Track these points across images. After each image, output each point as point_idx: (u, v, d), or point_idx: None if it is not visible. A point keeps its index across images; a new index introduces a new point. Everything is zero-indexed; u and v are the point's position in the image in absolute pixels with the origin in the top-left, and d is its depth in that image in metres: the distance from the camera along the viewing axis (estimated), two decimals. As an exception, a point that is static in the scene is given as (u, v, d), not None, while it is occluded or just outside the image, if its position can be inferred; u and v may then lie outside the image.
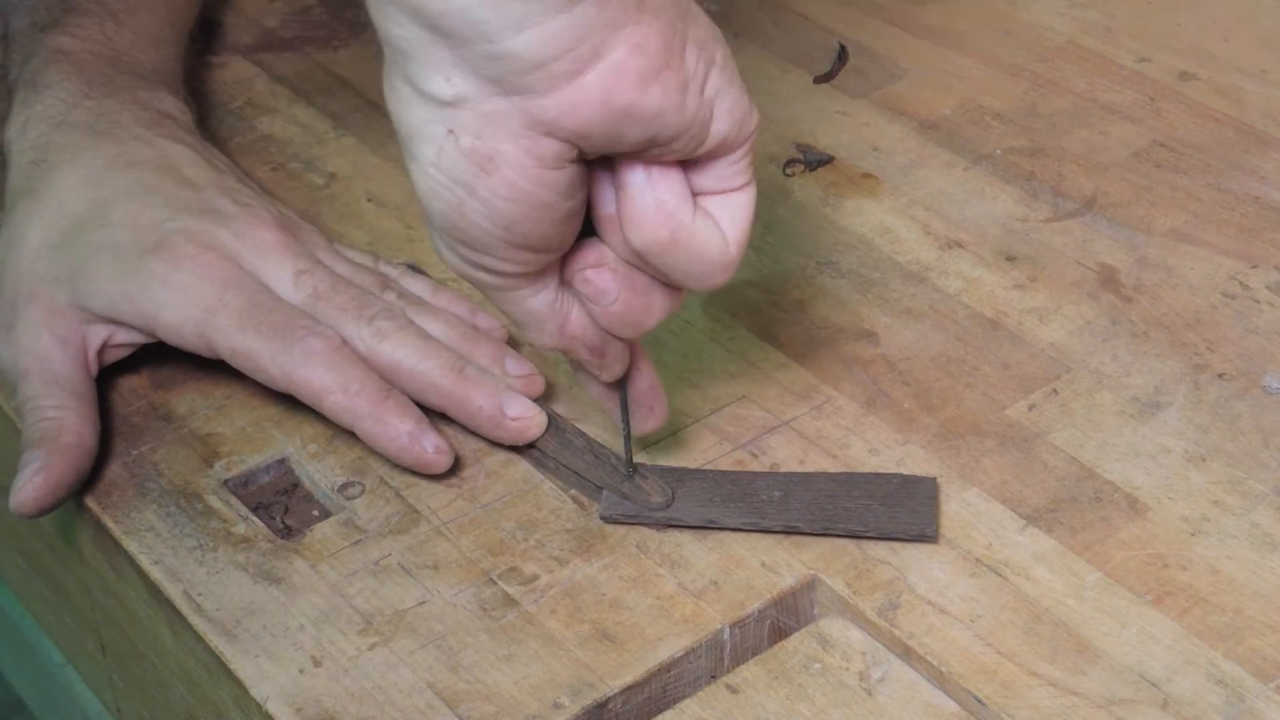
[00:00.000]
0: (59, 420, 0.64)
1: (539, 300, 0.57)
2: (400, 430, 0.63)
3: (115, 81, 0.75)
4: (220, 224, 0.67)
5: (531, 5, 0.49)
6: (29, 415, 0.65)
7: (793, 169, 0.80)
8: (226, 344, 0.65)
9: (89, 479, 0.65)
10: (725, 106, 0.54)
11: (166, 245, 0.66)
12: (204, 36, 0.89)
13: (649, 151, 0.53)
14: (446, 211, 0.53)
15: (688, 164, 0.55)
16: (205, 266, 0.66)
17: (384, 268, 0.71)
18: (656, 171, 0.54)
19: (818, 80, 0.86)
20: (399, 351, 0.64)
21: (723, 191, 0.56)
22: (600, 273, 0.57)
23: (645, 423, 0.63)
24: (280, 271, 0.67)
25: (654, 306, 0.58)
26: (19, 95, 0.75)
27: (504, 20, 0.49)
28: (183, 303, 0.65)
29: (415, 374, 0.64)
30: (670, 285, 0.58)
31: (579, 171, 0.53)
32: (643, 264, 0.56)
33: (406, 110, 0.53)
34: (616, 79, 0.51)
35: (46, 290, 0.67)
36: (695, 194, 0.56)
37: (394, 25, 0.51)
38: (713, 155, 0.55)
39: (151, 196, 0.69)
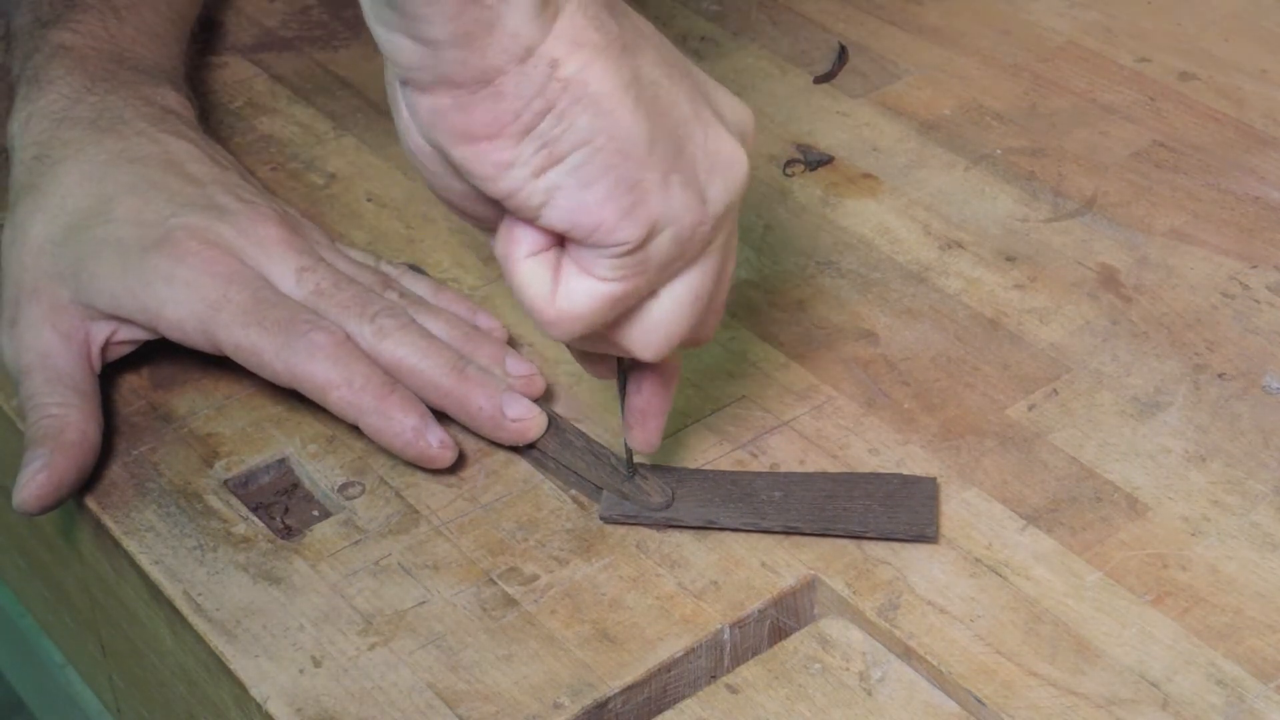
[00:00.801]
0: (62, 418, 0.64)
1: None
2: (405, 425, 0.63)
3: (118, 77, 0.75)
4: (223, 220, 0.67)
5: (411, 27, 0.50)
6: (32, 413, 0.65)
7: (793, 169, 0.80)
8: (230, 339, 0.65)
9: (89, 478, 0.65)
10: (565, 204, 0.53)
11: (170, 241, 0.66)
12: (204, 36, 0.89)
13: None
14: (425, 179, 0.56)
15: None
16: (208, 263, 0.66)
17: (385, 267, 0.71)
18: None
19: (818, 80, 0.86)
20: (400, 350, 0.64)
21: (581, 268, 0.55)
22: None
23: (633, 440, 0.63)
24: (283, 268, 0.67)
25: (664, 316, 0.58)
26: (21, 91, 0.75)
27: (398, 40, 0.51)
28: (186, 299, 0.65)
29: (416, 373, 0.64)
30: (654, 293, 0.58)
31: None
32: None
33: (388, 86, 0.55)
34: (437, 119, 0.52)
35: (50, 286, 0.67)
36: (572, 246, 0.55)
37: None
38: (572, 239, 0.54)
39: (155, 192, 0.69)
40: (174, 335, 0.66)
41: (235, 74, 0.88)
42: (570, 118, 0.52)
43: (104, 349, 0.68)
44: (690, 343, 0.60)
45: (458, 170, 0.54)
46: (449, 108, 0.52)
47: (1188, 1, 0.91)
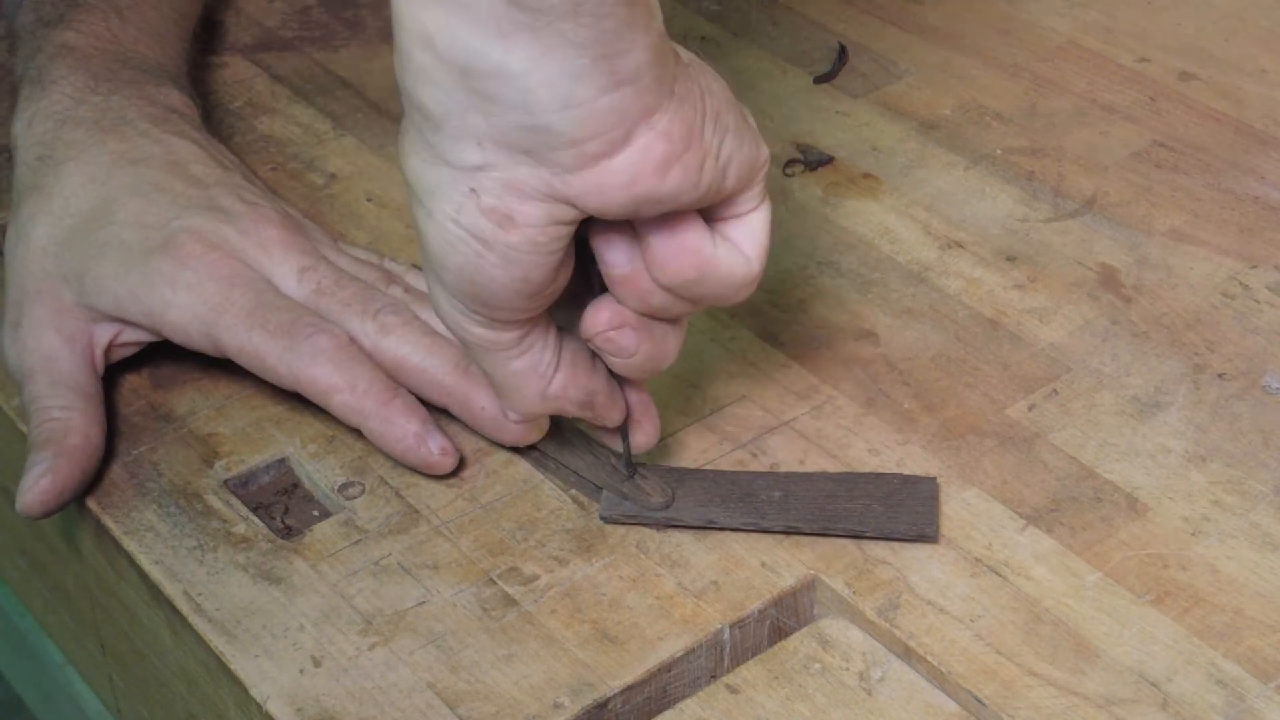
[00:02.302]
0: (65, 421, 0.64)
1: (523, 362, 0.58)
2: (407, 430, 0.63)
3: (121, 76, 0.75)
4: (226, 222, 0.67)
5: (580, 85, 0.50)
6: (35, 416, 0.65)
7: (793, 169, 0.80)
8: (233, 343, 0.65)
9: (90, 479, 0.65)
10: (735, 165, 0.55)
11: (173, 244, 0.66)
12: (204, 36, 0.89)
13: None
14: (462, 265, 0.54)
15: None
16: (211, 265, 0.66)
17: (389, 264, 0.71)
18: (674, 218, 0.55)
19: (818, 80, 0.86)
20: (403, 348, 0.64)
21: (739, 215, 0.57)
22: (623, 333, 0.58)
23: (634, 436, 0.63)
24: (284, 268, 0.67)
25: (669, 348, 0.59)
26: (24, 91, 0.75)
27: (551, 95, 0.50)
28: (189, 302, 0.65)
29: (419, 371, 0.64)
30: (676, 322, 0.59)
31: (570, 232, 0.55)
32: (671, 299, 0.57)
33: (428, 170, 0.53)
34: (642, 165, 0.52)
35: (53, 288, 0.67)
36: (714, 221, 0.57)
37: (431, 88, 0.51)
38: (728, 197, 0.56)
39: (158, 194, 0.69)
40: (177, 338, 0.66)
41: (235, 74, 0.88)
42: (705, 86, 0.54)
43: (107, 351, 0.67)
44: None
45: (656, 204, 0.53)
46: (651, 141, 0.52)
47: (1188, 1, 0.91)
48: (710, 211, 0.57)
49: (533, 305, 0.56)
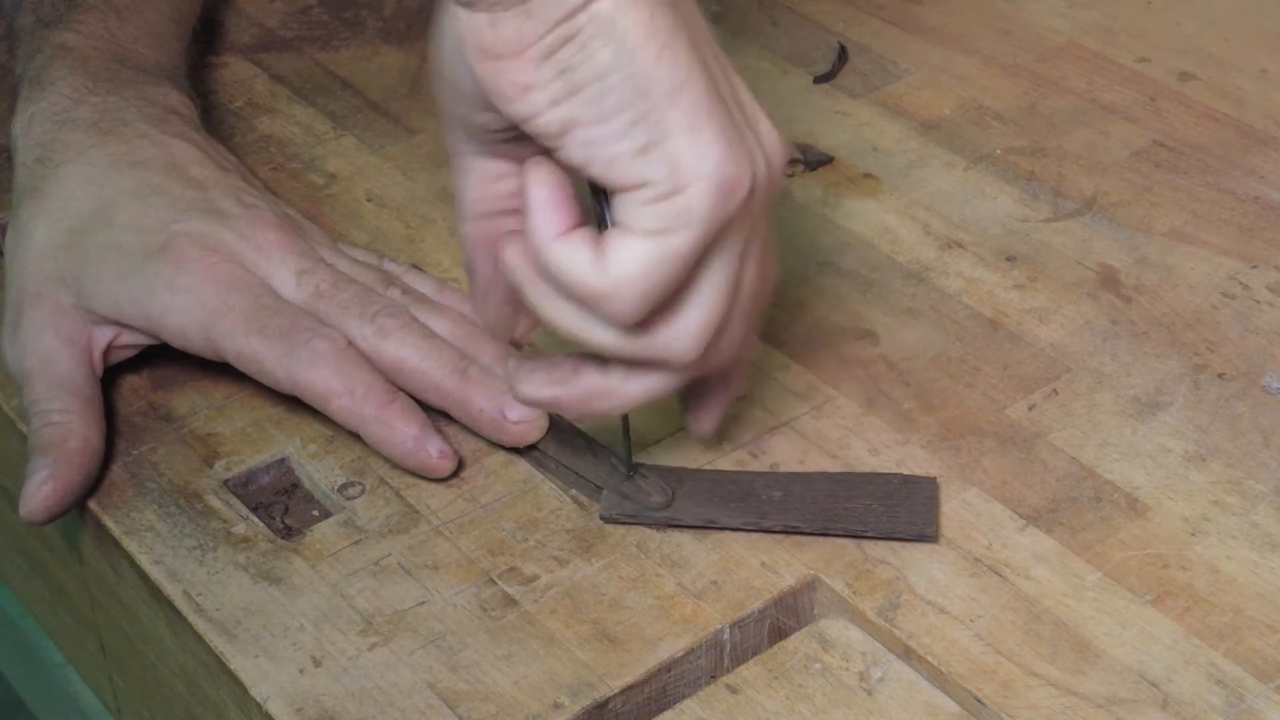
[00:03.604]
0: (64, 425, 0.64)
1: (466, 180, 0.59)
2: (406, 434, 0.63)
3: (120, 77, 0.75)
4: (224, 225, 0.67)
5: None
6: (34, 420, 0.65)
7: (793, 169, 0.80)
8: (232, 347, 0.65)
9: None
10: (582, 136, 0.54)
11: (171, 248, 0.66)
12: (204, 36, 0.89)
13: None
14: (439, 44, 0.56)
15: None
16: (210, 270, 0.66)
17: (389, 265, 0.71)
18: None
19: (818, 80, 0.86)
20: (402, 350, 0.64)
21: (623, 227, 0.55)
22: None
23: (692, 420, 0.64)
24: (283, 271, 0.67)
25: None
26: (23, 92, 0.74)
27: None
28: (188, 306, 0.65)
29: (418, 373, 0.64)
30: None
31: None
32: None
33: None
34: (467, 27, 0.53)
35: (52, 290, 0.67)
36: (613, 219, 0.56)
37: None
38: (597, 184, 0.55)
39: (156, 197, 0.69)
40: (176, 342, 0.66)
41: (235, 74, 0.88)
42: (592, 49, 0.53)
43: (106, 353, 0.67)
44: (717, 362, 0.59)
45: (481, 89, 0.54)
46: (483, 23, 0.53)
47: (1188, 1, 0.91)
48: (615, 206, 0.55)
49: (460, 118, 0.57)
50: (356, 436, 0.65)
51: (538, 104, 0.54)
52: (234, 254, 0.67)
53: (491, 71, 0.54)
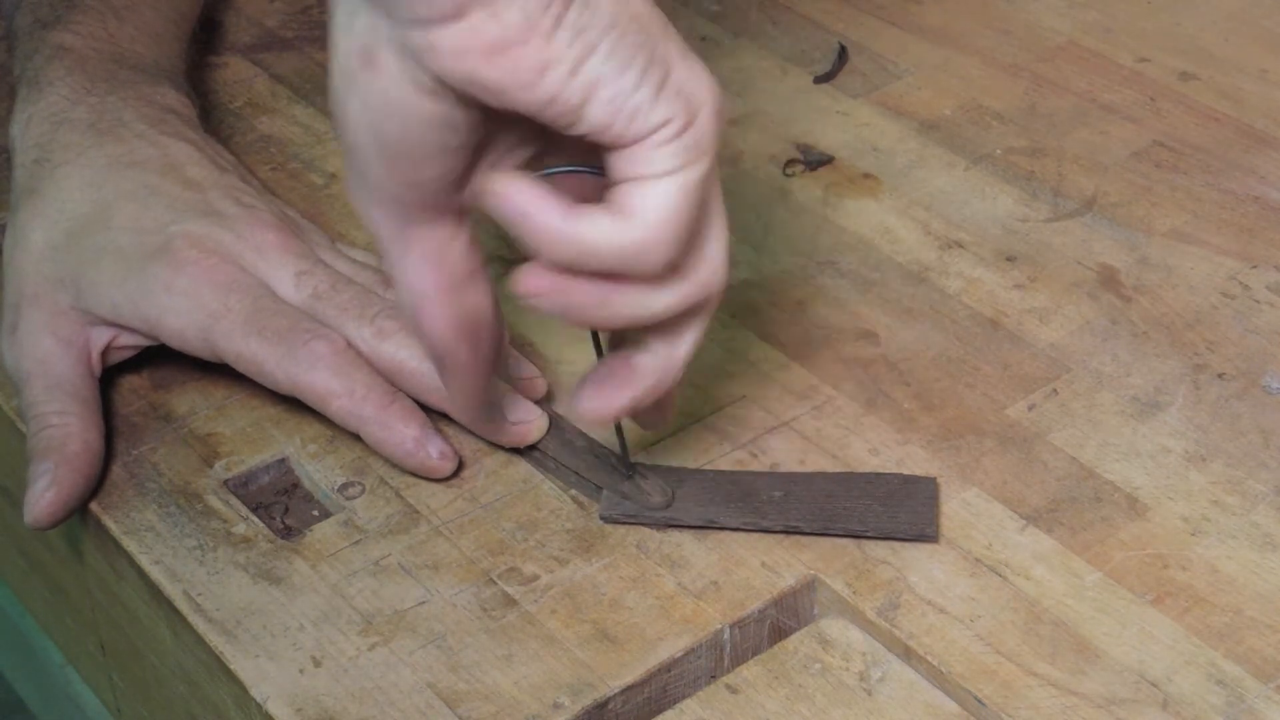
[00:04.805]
0: (63, 428, 0.64)
1: (404, 265, 0.56)
2: (406, 435, 0.63)
3: (117, 77, 0.75)
4: (222, 226, 0.67)
5: None
6: (32, 423, 0.65)
7: (793, 169, 0.80)
8: (231, 349, 0.65)
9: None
10: (606, 95, 0.52)
11: (169, 250, 0.66)
12: (204, 36, 0.89)
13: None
14: (336, 111, 0.53)
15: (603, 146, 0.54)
16: (208, 271, 0.66)
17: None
18: (540, 192, 0.54)
19: (818, 80, 0.86)
20: (401, 352, 0.64)
21: (639, 178, 0.54)
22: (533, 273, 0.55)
23: (647, 425, 0.63)
24: (281, 273, 0.67)
25: (586, 298, 0.56)
26: (21, 93, 0.75)
27: None
28: (186, 308, 0.65)
29: (417, 375, 0.64)
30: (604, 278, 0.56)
31: (462, 115, 0.53)
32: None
33: (333, 30, 0.53)
34: (469, 41, 0.51)
35: (50, 292, 0.67)
36: (615, 181, 0.54)
37: None
38: (613, 142, 0.53)
39: (154, 198, 0.69)
40: (174, 344, 0.66)
41: (235, 74, 0.88)
42: (596, 2, 0.51)
43: (104, 354, 0.67)
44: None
45: (485, 91, 0.51)
46: (482, 21, 0.50)
47: (1188, 1, 0.91)
48: (613, 163, 0.54)
49: (396, 181, 0.54)
50: (357, 437, 0.65)
51: (558, 78, 0.51)
52: (232, 255, 0.67)
53: (505, 66, 0.51)
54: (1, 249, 0.72)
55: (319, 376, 0.63)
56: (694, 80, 0.54)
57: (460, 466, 0.64)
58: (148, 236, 0.67)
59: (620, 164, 0.54)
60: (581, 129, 0.53)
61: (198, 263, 0.66)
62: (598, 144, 0.54)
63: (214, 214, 0.68)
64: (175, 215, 0.68)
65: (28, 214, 0.69)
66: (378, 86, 0.52)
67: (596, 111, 0.52)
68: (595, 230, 0.54)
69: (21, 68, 0.76)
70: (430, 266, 0.56)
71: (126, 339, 0.67)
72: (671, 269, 0.55)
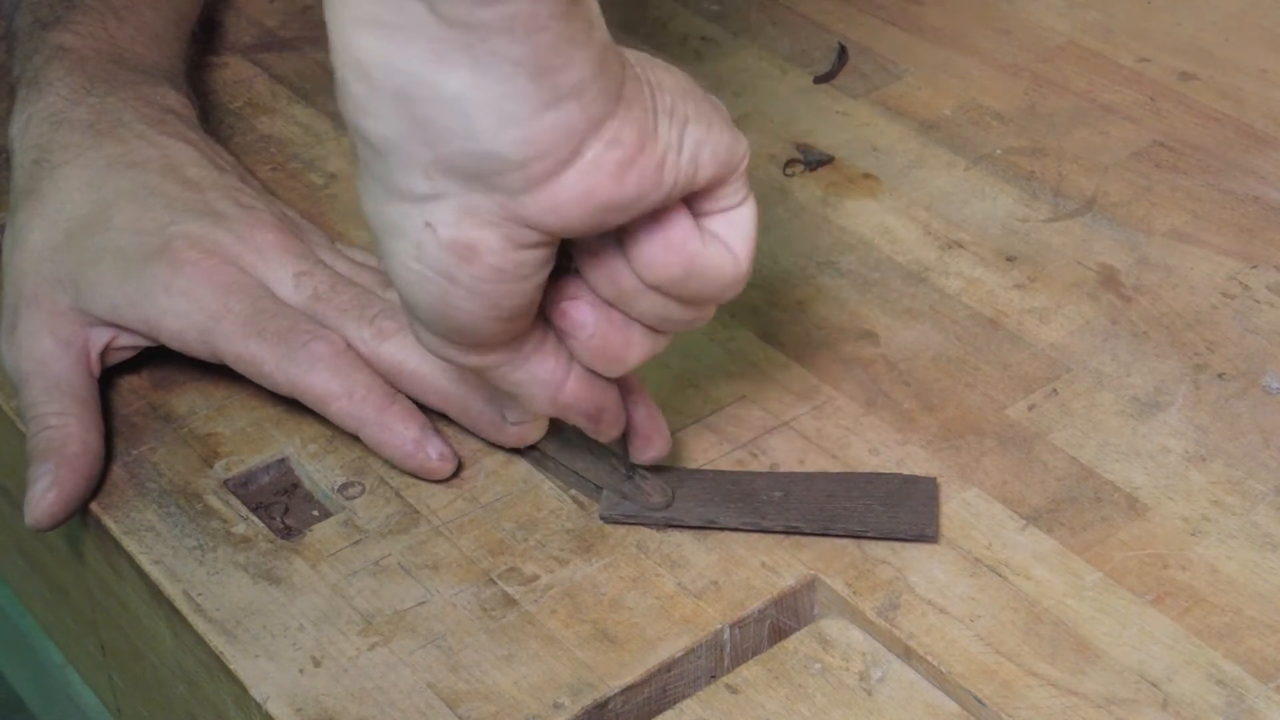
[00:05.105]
0: (62, 429, 0.64)
1: (524, 373, 0.57)
2: (405, 437, 0.63)
3: (117, 78, 0.75)
4: (220, 227, 0.67)
5: (519, 104, 0.48)
6: (32, 424, 0.65)
7: (793, 169, 0.80)
8: (230, 350, 0.64)
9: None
10: (708, 154, 0.54)
11: (169, 251, 0.66)
12: (204, 36, 0.89)
13: None
14: (431, 302, 0.53)
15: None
16: (208, 272, 0.66)
17: None
18: (661, 214, 0.54)
19: (818, 80, 0.86)
20: (400, 353, 0.64)
21: (724, 210, 0.56)
22: (576, 305, 0.56)
23: (643, 453, 0.63)
24: (281, 274, 0.67)
25: (633, 342, 0.57)
26: (20, 93, 0.75)
27: (491, 117, 0.49)
28: (186, 309, 0.65)
29: (416, 376, 0.64)
30: (652, 327, 0.57)
31: (546, 254, 0.53)
32: (657, 298, 0.56)
33: (382, 207, 0.52)
34: (595, 177, 0.50)
35: (49, 293, 0.67)
36: (699, 217, 0.56)
37: (370, 120, 0.50)
38: (708, 189, 0.55)
39: (153, 199, 0.69)
40: (174, 345, 0.66)
41: (235, 74, 0.88)
42: (655, 80, 0.52)
43: (103, 355, 0.67)
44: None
45: (619, 211, 0.52)
46: (603, 150, 0.50)
47: (1188, 1, 0.91)
48: (694, 207, 0.56)
49: (514, 328, 0.55)
50: (356, 438, 0.65)
51: (675, 163, 0.52)
52: (231, 256, 0.66)
53: (634, 180, 0.51)
54: (0, 250, 0.72)
55: (318, 378, 0.63)
56: (722, 115, 0.55)
57: (460, 466, 0.64)
58: (147, 237, 0.67)
59: (705, 204, 0.55)
60: (696, 189, 0.54)
61: (197, 264, 0.66)
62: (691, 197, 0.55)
63: (213, 214, 0.68)
64: (175, 216, 0.68)
65: (27, 214, 0.69)
66: (484, 266, 0.51)
67: (707, 169, 0.54)
68: (717, 259, 0.56)
69: (21, 68, 0.76)
70: (547, 364, 0.57)
71: (125, 339, 0.67)
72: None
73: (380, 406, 0.63)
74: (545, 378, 0.57)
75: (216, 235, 0.67)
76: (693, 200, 0.55)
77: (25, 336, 0.67)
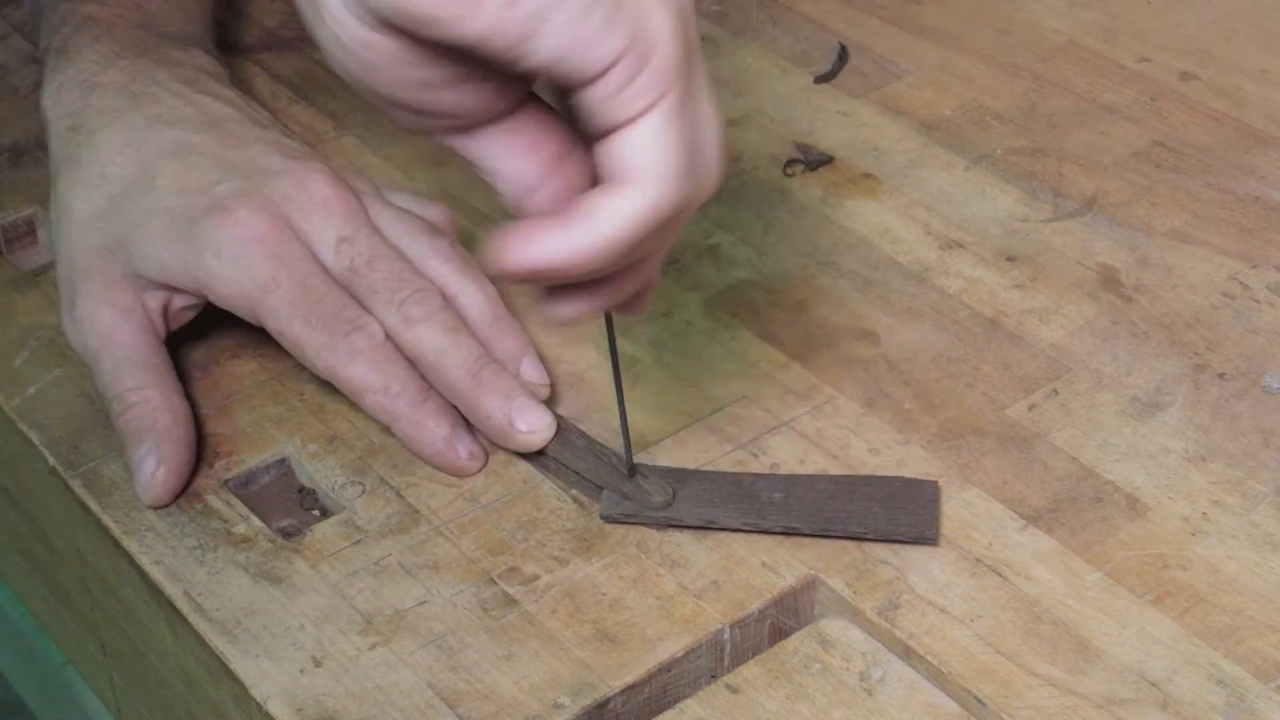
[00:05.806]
0: (145, 404, 0.64)
1: (498, 161, 0.55)
2: (436, 435, 0.63)
3: (146, 43, 0.75)
4: (270, 182, 0.66)
5: None
6: (114, 404, 0.65)
7: (793, 169, 0.80)
8: (275, 326, 0.64)
9: (91, 479, 0.65)
10: (554, 25, 0.49)
11: (217, 211, 0.65)
12: (204, 36, 0.89)
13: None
14: (336, 66, 0.53)
15: (582, 118, 0.51)
16: (258, 237, 0.65)
17: (431, 210, 0.69)
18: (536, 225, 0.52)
19: (818, 80, 0.86)
20: (421, 344, 0.64)
21: (615, 129, 0.51)
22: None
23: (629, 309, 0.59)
24: (325, 236, 0.66)
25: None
26: (50, 63, 0.74)
27: None
28: (235, 276, 0.65)
29: (434, 368, 0.64)
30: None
31: (416, 50, 0.51)
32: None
33: None
34: None
35: (101, 262, 0.67)
36: (596, 144, 0.52)
37: None
38: (571, 80, 0.50)
39: (196, 157, 0.68)
40: (222, 305, 0.66)
41: (235, 74, 0.88)
42: None
43: (165, 316, 0.67)
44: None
45: (418, 23, 0.49)
46: None
47: (1188, 1, 0.91)
48: (588, 120, 0.51)
49: (406, 117, 0.53)
50: (357, 435, 0.65)
51: (494, 7, 0.48)
52: (282, 210, 0.66)
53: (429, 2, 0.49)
54: (47, 223, 0.71)
55: (357, 371, 0.64)
56: (648, 5, 0.50)
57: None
58: (194, 196, 0.66)
59: (593, 120, 0.51)
60: (532, 64, 0.50)
61: (246, 224, 0.65)
62: (562, 89, 0.51)
63: (260, 171, 0.67)
64: (220, 174, 0.67)
65: (67, 183, 0.69)
66: (329, 33, 0.51)
67: (544, 42, 0.49)
68: (611, 216, 0.51)
69: (48, 40, 0.76)
70: (519, 158, 0.55)
71: (181, 300, 0.67)
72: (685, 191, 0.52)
73: (414, 403, 0.64)
74: (514, 176, 0.55)
75: (265, 191, 0.66)
76: (585, 118, 0.51)
77: (86, 314, 0.66)
